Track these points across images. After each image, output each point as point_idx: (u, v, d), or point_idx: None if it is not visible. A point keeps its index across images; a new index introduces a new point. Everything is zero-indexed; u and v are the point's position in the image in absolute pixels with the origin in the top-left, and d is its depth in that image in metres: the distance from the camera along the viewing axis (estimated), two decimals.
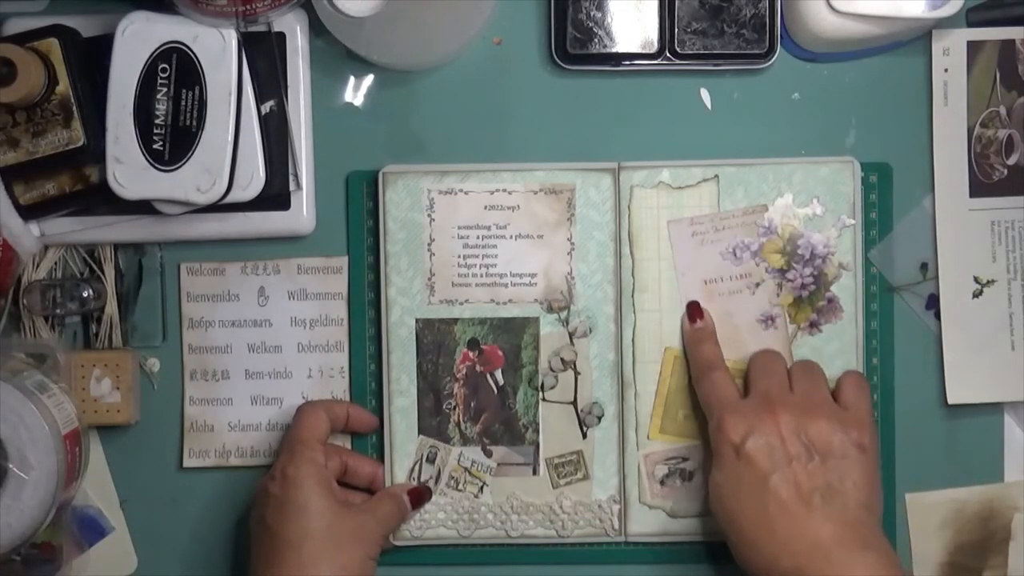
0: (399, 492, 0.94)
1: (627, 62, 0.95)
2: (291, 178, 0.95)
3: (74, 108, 0.90)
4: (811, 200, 0.95)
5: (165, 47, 0.90)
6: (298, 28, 0.95)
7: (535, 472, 0.96)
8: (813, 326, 0.95)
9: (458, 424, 0.96)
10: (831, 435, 0.88)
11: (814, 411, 0.88)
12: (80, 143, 0.91)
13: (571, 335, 0.96)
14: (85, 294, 0.97)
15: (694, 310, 0.94)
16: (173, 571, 0.99)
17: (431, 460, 0.96)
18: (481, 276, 0.96)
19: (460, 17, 0.92)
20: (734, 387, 0.92)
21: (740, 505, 0.88)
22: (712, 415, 0.91)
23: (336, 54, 0.96)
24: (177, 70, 0.90)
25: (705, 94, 0.97)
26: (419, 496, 0.95)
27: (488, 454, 0.96)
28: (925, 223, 0.96)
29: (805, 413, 0.88)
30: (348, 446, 0.97)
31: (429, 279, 0.96)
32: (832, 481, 0.86)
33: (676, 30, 0.94)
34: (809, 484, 0.86)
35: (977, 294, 0.96)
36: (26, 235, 0.95)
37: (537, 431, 0.96)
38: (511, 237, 0.95)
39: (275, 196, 0.95)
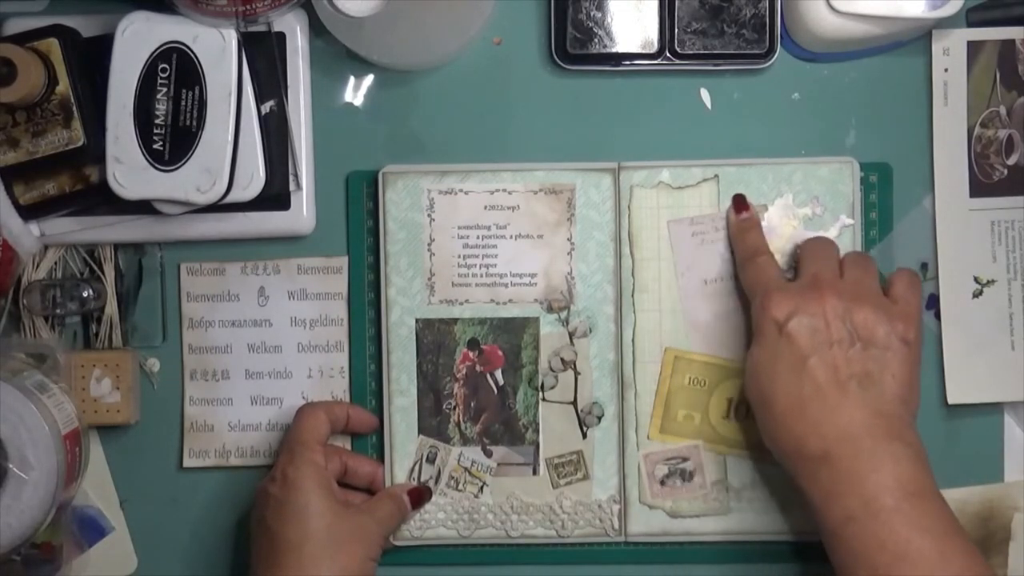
0: (399, 492, 0.94)
1: (627, 62, 0.95)
2: (291, 178, 0.95)
3: (74, 108, 0.90)
4: (811, 200, 0.95)
5: (165, 47, 0.90)
6: (298, 28, 0.95)
7: (535, 472, 0.96)
8: None
9: (458, 424, 0.96)
10: (876, 324, 0.86)
11: (862, 299, 0.87)
12: (80, 143, 0.91)
13: (571, 335, 0.96)
14: (85, 294, 0.97)
15: (740, 201, 0.94)
16: (173, 571, 0.99)
17: (431, 460, 0.96)
18: (481, 276, 0.96)
19: (460, 17, 0.92)
20: (779, 271, 0.91)
21: (775, 383, 0.87)
22: (757, 294, 0.90)
23: (336, 54, 0.96)
24: (177, 70, 0.90)
25: (705, 94, 0.97)
26: (419, 496, 0.95)
27: (488, 454, 0.96)
28: (925, 223, 0.96)
29: (853, 299, 0.87)
30: (348, 447, 0.97)
31: (429, 279, 0.96)
32: (871, 370, 0.86)
33: (676, 30, 0.94)
34: (847, 370, 0.85)
35: (977, 294, 0.96)
36: (26, 235, 0.95)
37: (537, 431, 0.96)
38: (511, 237, 0.95)
39: (275, 196, 0.95)
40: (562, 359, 0.96)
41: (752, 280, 0.91)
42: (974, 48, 0.95)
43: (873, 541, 0.82)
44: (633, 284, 0.95)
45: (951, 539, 0.82)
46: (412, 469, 0.96)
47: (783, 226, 0.95)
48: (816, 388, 0.85)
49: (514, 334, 0.96)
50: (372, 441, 0.97)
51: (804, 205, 0.95)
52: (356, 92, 0.97)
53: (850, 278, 0.89)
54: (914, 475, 0.83)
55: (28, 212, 0.94)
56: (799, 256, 0.92)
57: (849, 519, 0.83)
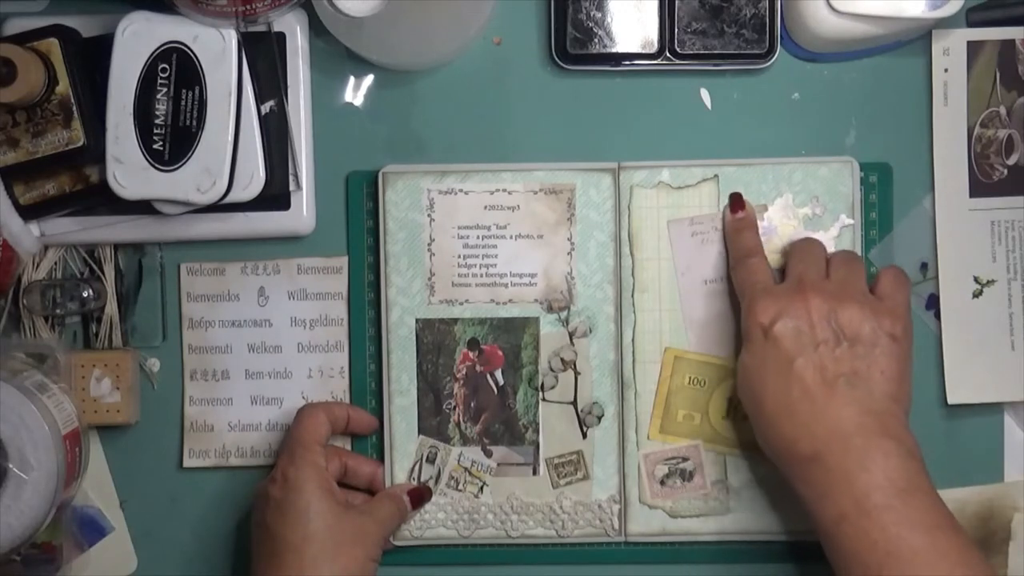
0: (399, 493, 0.94)
1: (627, 62, 0.95)
2: (291, 178, 0.95)
3: (74, 108, 0.90)
4: (811, 200, 0.95)
5: (165, 47, 0.90)
6: (298, 28, 0.95)
7: (535, 472, 0.96)
8: None
9: (458, 424, 0.96)
10: (862, 322, 0.86)
11: (847, 298, 0.87)
12: (80, 143, 0.91)
13: (571, 335, 0.96)
14: (85, 294, 0.97)
15: (736, 200, 0.94)
16: (173, 571, 0.99)
17: (431, 460, 0.96)
18: (481, 276, 0.96)
19: (460, 17, 0.92)
20: (770, 272, 0.91)
21: (765, 386, 0.87)
22: (745, 297, 0.90)
23: (336, 54, 0.96)
24: (177, 70, 0.90)
25: (705, 94, 0.97)
26: (419, 496, 0.95)
27: (488, 454, 0.96)
28: (925, 223, 0.96)
29: (837, 299, 0.87)
30: (348, 447, 0.97)
31: (429, 279, 0.96)
32: (859, 368, 0.86)
33: (676, 30, 0.94)
34: (835, 369, 0.85)
35: (977, 294, 0.96)
36: (26, 235, 0.95)
37: (537, 431, 0.96)
38: (511, 237, 0.95)
39: (275, 196, 0.95)
40: (562, 359, 0.96)
41: (742, 282, 0.92)
42: (974, 48, 0.95)
43: (865, 540, 0.82)
44: (633, 284, 0.95)
45: (944, 534, 0.82)
46: (412, 469, 0.96)
47: (783, 226, 0.95)
48: (804, 389, 0.85)
49: (514, 334, 0.96)
50: (372, 441, 0.97)
51: (804, 205, 0.95)
52: (356, 92, 0.97)
53: (836, 278, 0.89)
54: (905, 472, 0.83)
55: (28, 212, 0.94)
56: (787, 256, 0.93)
57: (842, 518, 0.83)
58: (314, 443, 0.91)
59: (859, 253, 0.95)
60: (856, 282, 0.89)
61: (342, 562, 0.88)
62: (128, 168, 0.90)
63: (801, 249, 0.92)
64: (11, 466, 0.89)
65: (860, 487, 0.83)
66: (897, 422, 0.85)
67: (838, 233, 0.95)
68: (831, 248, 0.94)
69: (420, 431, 0.96)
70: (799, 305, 0.87)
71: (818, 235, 0.94)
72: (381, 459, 0.96)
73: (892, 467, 0.83)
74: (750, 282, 0.91)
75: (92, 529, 0.98)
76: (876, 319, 0.87)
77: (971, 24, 0.95)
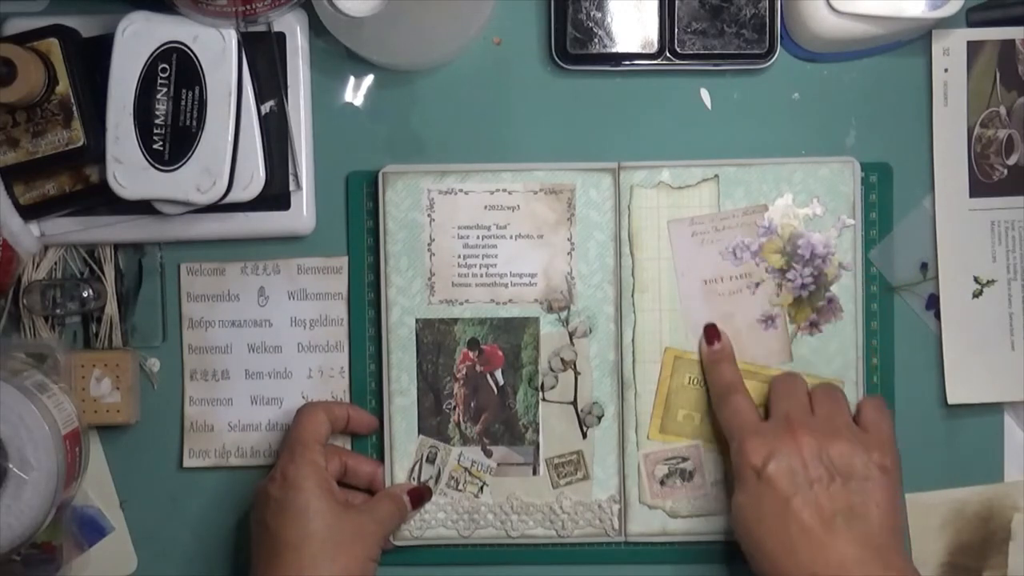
0: (399, 492, 0.94)
1: (627, 62, 0.95)
2: (291, 178, 0.95)
3: (74, 108, 0.90)
4: (811, 200, 0.95)
5: (165, 47, 0.90)
6: (298, 28, 0.95)
7: (535, 472, 0.96)
8: (813, 326, 0.95)
9: (458, 424, 0.96)
10: (853, 457, 0.87)
11: (835, 433, 0.88)
12: (80, 143, 0.91)
13: (571, 335, 0.96)
14: (85, 294, 0.97)
15: (711, 332, 0.94)
16: (173, 571, 0.99)
17: (431, 460, 0.96)
18: (481, 276, 0.96)
19: (460, 17, 0.92)
20: (755, 410, 0.92)
21: (763, 528, 0.87)
22: (733, 438, 0.90)
23: (336, 54, 0.96)
24: (177, 70, 0.90)
25: (705, 94, 0.97)
26: (419, 496, 0.95)
27: (488, 454, 0.96)
28: (925, 223, 0.96)
29: (826, 435, 0.88)
30: (348, 447, 0.97)
31: (429, 279, 0.96)
32: (854, 503, 0.86)
33: (676, 30, 0.94)
34: (831, 507, 0.86)
35: (977, 294, 0.96)
36: (26, 235, 0.95)
37: (537, 431, 0.96)
38: (511, 237, 0.95)
39: (275, 196, 0.95)
40: (562, 359, 0.96)
41: (728, 422, 0.92)
42: (974, 48, 0.95)
43: None
44: (633, 284, 0.95)
45: None
46: (412, 469, 0.96)
47: (783, 226, 0.95)
48: (803, 529, 0.85)
49: (514, 334, 0.96)
50: (372, 441, 0.97)
51: (804, 205, 0.95)
52: (356, 92, 0.97)
53: (820, 413, 0.90)
54: None
55: (28, 212, 0.94)
56: (769, 393, 0.93)
57: None
58: (314, 442, 0.91)
59: (859, 254, 0.95)
60: (842, 417, 0.90)
61: (341, 561, 0.88)
62: (128, 168, 0.90)
63: (783, 386, 0.92)
64: (11, 466, 0.89)
65: None
66: (897, 554, 0.86)
67: (838, 233, 0.95)
68: (831, 248, 0.94)
69: (420, 431, 0.96)
70: (789, 444, 0.87)
71: (818, 235, 0.94)
72: (381, 459, 0.96)
73: None
74: (737, 423, 0.91)
75: (92, 529, 0.98)
76: (866, 452, 0.87)
77: (971, 24, 0.95)
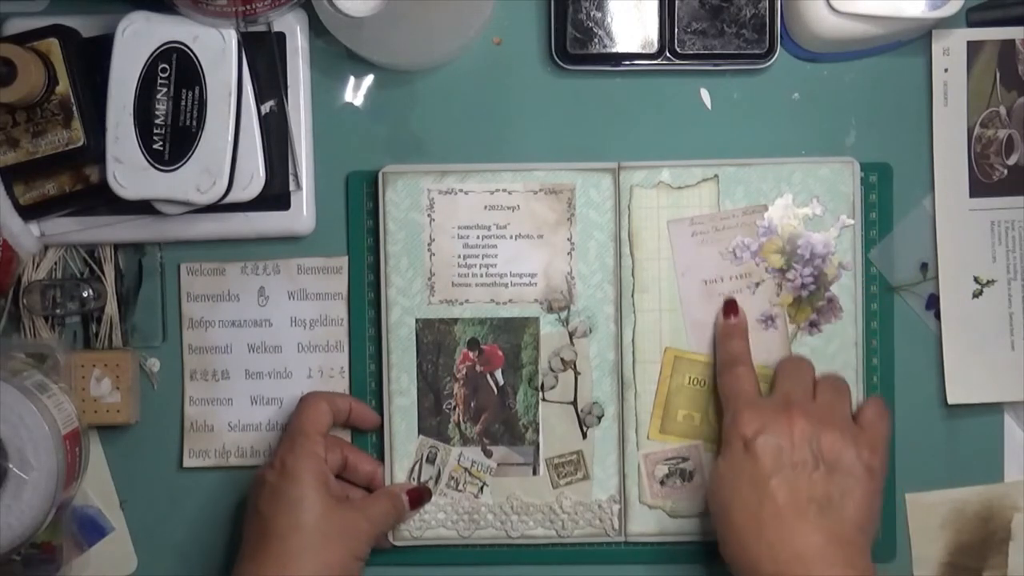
0: (397, 492, 0.94)
1: (627, 62, 0.95)
2: (291, 178, 0.95)
3: (74, 108, 0.90)
4: (811, 200, 0.95)
5: (165, 47, 0.90)
6: (298, 28, 0.95)
7: (535, 472, 0.96)
8: (813, 326, 0.95)
9: (458, 424, 0.96)
10: (842, 450, 0.87)
11: (831, 422, 0.88)
12: (80, 143, 0.91)
13: (571, 335, 0.96)
14: (85, 294, 0.97)
15: (730, 306, 0.94)
16: (173, 571, 0.99)
17: (431, 460, 0.96)
18: (481, 276, 0.96)
19: (460, 17, 0.92)
20: (756, 384, 0.92)
21: (737, 501, 0.87)
22: (729, 406, 0.91)
23: (336, 54, 0.96)
24: (177, 70, 0.90)
25: (705, 94, 0.97)
26: (418, 496, 0.95)
27: (488, 454, 0.96)
28: (925, 223, 0.96)
29: (821, 422, 0.88)
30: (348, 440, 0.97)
31: (429, 279, 0.96)
32: (832, 494, 0.86)
33: (676, 30, 0.94)
34: (808, 492, 0.86)
35: (977, 294, 0.96)
36: (26, 235, 0.95)
37: (537, 431, 0.96)
38: (511, 237, 0.95)
39: (275, 196, 0.95)
40: (562, 359, 0.96)
41: (727, 390, 0.92)
42: (974, 48, 0.95)
43: None
44: (633, 284, 0.95)
45: None
46: (412, 469, 0.96)
47: (783, 226, 0.95)
48: (775, 510, 0.86)
49: (514, 334, 0.96)
50: (372, 441, 0.97)
51: (804, 205, 0.95)
52: (356, 92, 0.97)
53: (822, 401, 0.90)
54: None
55: (28, 212, 0.94)
56: (775, 372, 0.93)
57: None
58: (315, 432, 0.91)
59: (859, 254, 0.95)
60: (841, 408, 0.90)
61: (324, 557, 0.88)
62: (128, 168, 0.90)
63: (790, 367, 0.93)
64: (11, 466, 0.89)
65: None
66: (860, 553, 0.86)
67: (838, 233, 0.95)
68: (831, 248, 0.94)
69: (420, 431, 0.96)
70: (783, 423, 0.87)
71: (818, 235, 0.94)
72: (381, 459, 0.96)
73: None
74: (736, 391, 0.91)
75: (92, 529, 0.98)
76: (856, 448, 0.88)
77: (971, 24, 0.95)
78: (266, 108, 0.94)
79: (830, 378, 0.93)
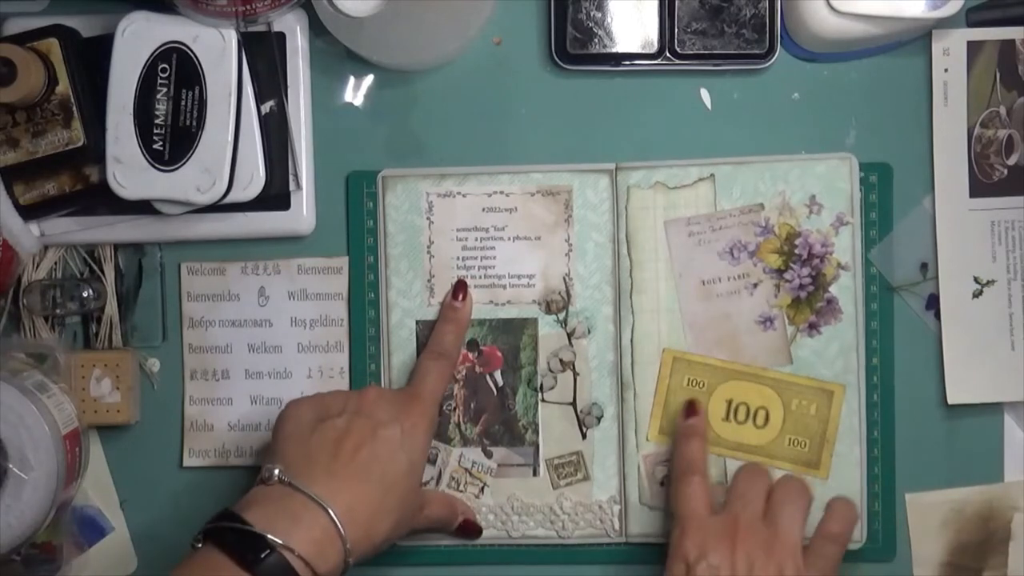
0: (459, 512, 0.94)
1: (627, 62, 0.95)
2: (291, 178, 0.95)
3: (74, 108, 0.91)
4: (808, 198, 0.94)
5: (165, 47, 0.90)
6: (298, 28, 0.95)
7: (535, 473, 0.96)
8: (812, 327, 0.95)
9: (458, 425, 0.96)
10: None
11: (775, 553, 0.86)
12: (80, 143, 0.91)
13: (570, 336, 0.96)
14: (85, 294, 0.97)
15: (692, 406, 0.93)
16: None
17: (432, 461, 0.96)
18: (480, 278, 0.96)
19: (460, 17, 0.92)
20: (707, 499, 0.90)
21: None
22: (677, 523, 0.89)
23: (336, 54, 0.96)
24: (177, 70, 0.90)
25: (705, 94, 0.97)
26: (470, 530, 0.95)
27: (488, 455, 0.96)
28: (925, 223, 0.96)
29: (766, 552, 0.86)
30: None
31: (428, 281, 0.96)
32: None
33: (676, 30, 0.94)
34: None
35: (977, 294, 0.96)
36: (26, 235, 0.95)
37: (537, 432, 0.96)
38: (509, 239, 0.95)
39: (275, 196, 0.95)
40: (561, 360, 0.96)
41: (679, 503, 0.90)
42: (974, 48, 0.95)
43: None
44: (631, 285, 0.95)
45: None
46: None
47: (780, 225, 0.95)
48: None
49: (513, 335, 0.96)
50: None
51: (801, 203, 0.95)
52: (356, 92, 0.97)
53: (773, 521, 0.88)
54: None
55: (28, 212, 0.94)
56: (731, 483, 0.91)
57: None
58: (438, 403, 0.92)
59: (859, 253, 0.94)
60: (791, 531, 0.88)
61: (399, 521, 0.87)
62: (128, 168, 0.90)
63: (744, 481, 0.91)
64: (11, 466, 0.89)
65: None
66: None
67: (836, 231, 0.94)
68: (829, 247, 0.94)
69: None
70: (725, 550, 0.86)
71: (816, 234, 0.94)
72: None
73: None
74: (686, 509, 0.89)
75: (92, 529, 0.98)
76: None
77: (971, 24, 0.95)
78: (266, 108, 0.94)
79: (786, 488, 0.90)
